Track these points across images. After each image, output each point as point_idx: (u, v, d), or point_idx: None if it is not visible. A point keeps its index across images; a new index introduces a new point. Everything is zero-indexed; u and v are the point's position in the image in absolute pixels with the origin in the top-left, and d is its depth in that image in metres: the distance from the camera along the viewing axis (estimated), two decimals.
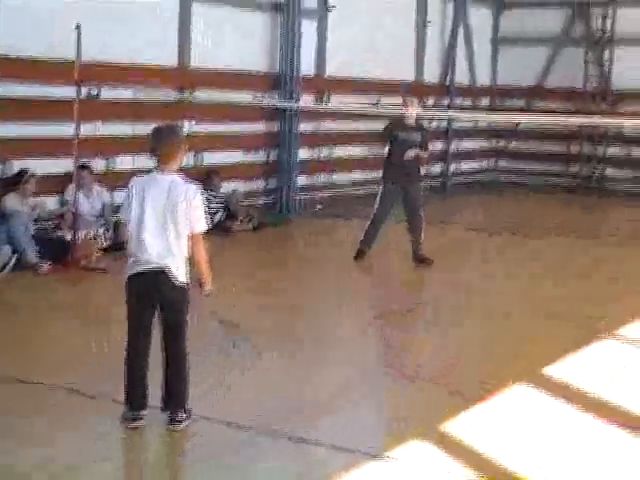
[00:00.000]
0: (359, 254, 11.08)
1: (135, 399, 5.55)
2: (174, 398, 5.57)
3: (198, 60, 13.26)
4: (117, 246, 10.72)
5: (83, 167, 11.00)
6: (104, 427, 5.62)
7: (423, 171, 11.92)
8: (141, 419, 5.54)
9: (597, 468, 5.37)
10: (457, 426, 5.84)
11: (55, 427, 5.63)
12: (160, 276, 5.43)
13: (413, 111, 11.04)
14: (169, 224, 5.41)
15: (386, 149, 11.09)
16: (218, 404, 6.07)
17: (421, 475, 5.18)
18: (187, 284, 5.56)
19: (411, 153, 10.83)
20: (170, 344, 5.57)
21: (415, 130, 11.05)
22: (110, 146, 11.89)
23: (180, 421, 5.53)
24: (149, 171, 5.65)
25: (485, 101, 20.58)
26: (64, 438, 5.48)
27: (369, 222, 11.13)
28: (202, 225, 5.50)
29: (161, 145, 5.50)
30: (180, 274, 5.49)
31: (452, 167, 19.63)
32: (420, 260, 10.98)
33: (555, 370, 7.08)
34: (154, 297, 5.50)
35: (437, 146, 19.13)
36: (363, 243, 11.13)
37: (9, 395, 6.16)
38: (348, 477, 5.07)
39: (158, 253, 5.41)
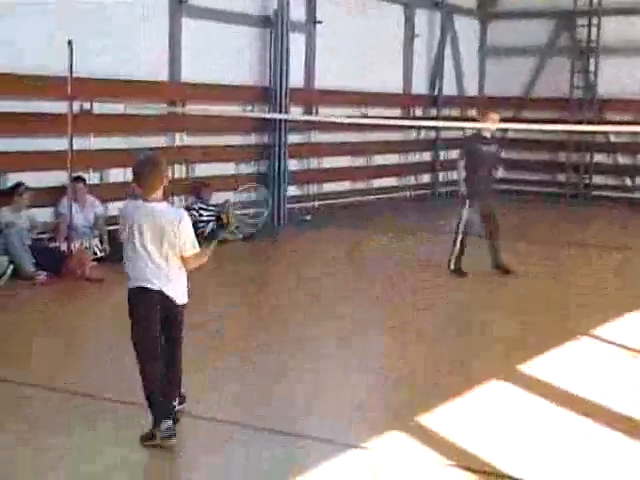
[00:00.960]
0: (460, 273, 10.93)
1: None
2: (167, 403, 5.80)
3: (189, 74, 13.56)
4: (113, 257, 11.08)
5: (77, 179, 11.28)
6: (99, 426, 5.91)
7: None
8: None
9: (572, 461, 5.64)
10: (433, 418, 6.12)
11: (38, 425, 5.92)
12: (162, 295, 5.72)
13: (493, 124, 10.93)
14: (161, 250, 5.67)
15: (462, 163, 10.96)
16: (201, 401, 6.35)
17: (396, 463, 5.45)
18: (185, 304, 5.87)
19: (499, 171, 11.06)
20: (169, 354, 5.86)
21: (493, 143, 11.11)
22: (103, 159, 12.19)
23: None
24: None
25: (473, 112, 20.86)
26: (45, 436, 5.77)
27: (459, 243, 10.86)
28: (191, 248, 5.72)
29: (143, 177, 5.74)
30: (179, 296, 5.79)
31: (441, 176, 19.93)
32: (500, 267, 11.03)
33: (532, 367, 7.37)
34: (158, 310, 5.75)
35: (425, 156, 19.54)
36: (457, 262, 10.93)
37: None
38: (327, 466, 5.34)
39: (157, 279, 5.69)
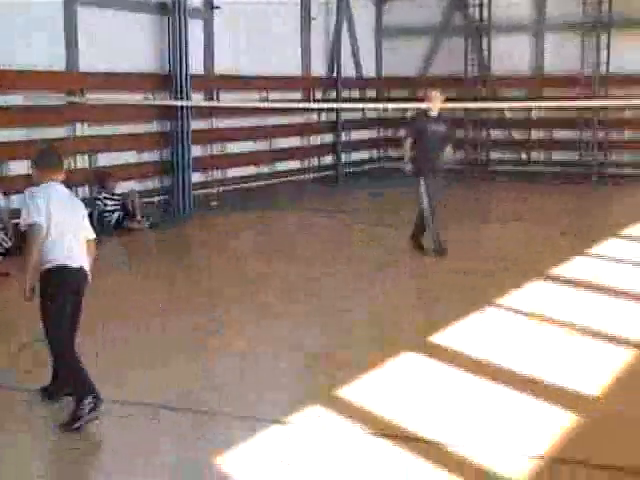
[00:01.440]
0: (418, 246, 11.17)
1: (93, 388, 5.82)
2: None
3: (86, 63, 13.43)
4: (18, 250, 10.96)
5: None
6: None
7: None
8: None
9: (481, 422, 5.91)
10: (350, 391, 6.32)
11: None
12: (80, 272, 5.97)
13: (437, 103, 10.93)
14: (78, 230, 6.03)
15: (408, 142, 11.03)
16: (123, 385, 6.42)
17: (316, 435, 5.63)
18: None
19: (450, 151, 11.13)
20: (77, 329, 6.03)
21: (439, 122, 11.07)
22: (3, 151, 12.01)
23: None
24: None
25: (372, 93, 21.21)
26: None
27: (422, 219, 11.00)
28: (92, 233, 6.23)
29: (60, 161, 6.13)
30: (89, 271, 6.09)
31: (343, 157, 20.19)
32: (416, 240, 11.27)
33: (440, 338, 7.63)
34: (78, 289, 5.97)
35: (327, 138, 19.77)
36: (418, 236, 11.15)
37: None
38: (252, 441, 5.48)
39: (77, 254, 5.95)
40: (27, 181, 12.10)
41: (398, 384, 6.62)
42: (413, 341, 7.57)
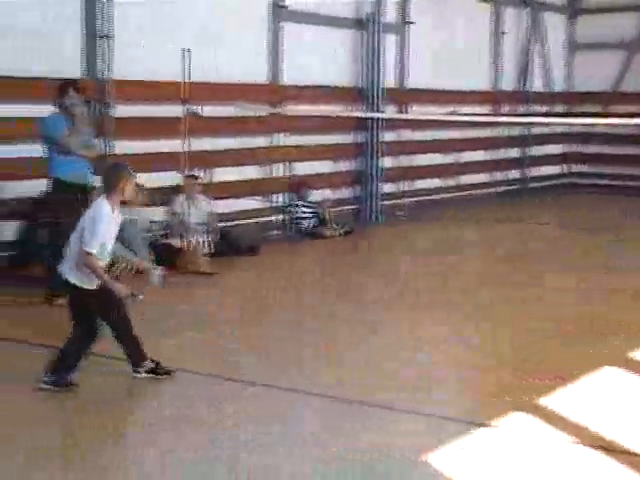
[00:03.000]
0: None
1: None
2: None
3: (287, 76, 14.07)
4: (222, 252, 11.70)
5: (190, 177, 11.85)
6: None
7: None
8: None
9: None
10: (550, 400, 6.48)
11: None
12: None
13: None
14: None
15: None
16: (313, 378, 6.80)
17: (523, 441, 5.83)
18: None
19: None
20: None
21: None
22: (213, 159, 12.79)
23: None
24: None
25: (561, 107, 21.03)
26: None
27: None
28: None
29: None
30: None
31: (529, 172, 20.16)
32: None
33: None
34: None
35: (514, 152, 19.78)
36: None
37: None
38: (458, 443, 5.75)
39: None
40: (235, 187, 12.96)
41: (598, 396, 6.72)
42: (610, 353, 7.63)
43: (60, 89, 9.09)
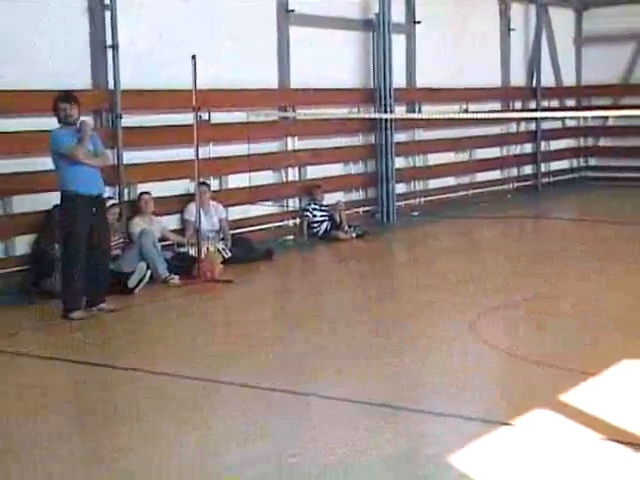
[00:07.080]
0: None
1: None
2: None
3: (296, 80, 14.03)
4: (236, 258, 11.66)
5: (202, 184, 11.82)
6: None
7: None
8: None
9: None
10: (572, 397, 6.40)
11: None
12: None
13: None
14: None
15: None
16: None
17: (549, 439, 5.75)
18: None
19: None
20: None
21: None
22: (225, 165, 12.75)
23: None
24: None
25: (571, 101, 20.95)
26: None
27: None
28: None
29: None
30: None
31: (543, 167, 20.07)
32: None
33: None
34: None
35: (527, 148, 19.70)
36: None
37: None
38: (480, 442, 5.68)
39: None
40: (248, 193, 12.91)
41: (621, 391, 6.64)
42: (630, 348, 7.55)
43: (52, 104, 9.12)
